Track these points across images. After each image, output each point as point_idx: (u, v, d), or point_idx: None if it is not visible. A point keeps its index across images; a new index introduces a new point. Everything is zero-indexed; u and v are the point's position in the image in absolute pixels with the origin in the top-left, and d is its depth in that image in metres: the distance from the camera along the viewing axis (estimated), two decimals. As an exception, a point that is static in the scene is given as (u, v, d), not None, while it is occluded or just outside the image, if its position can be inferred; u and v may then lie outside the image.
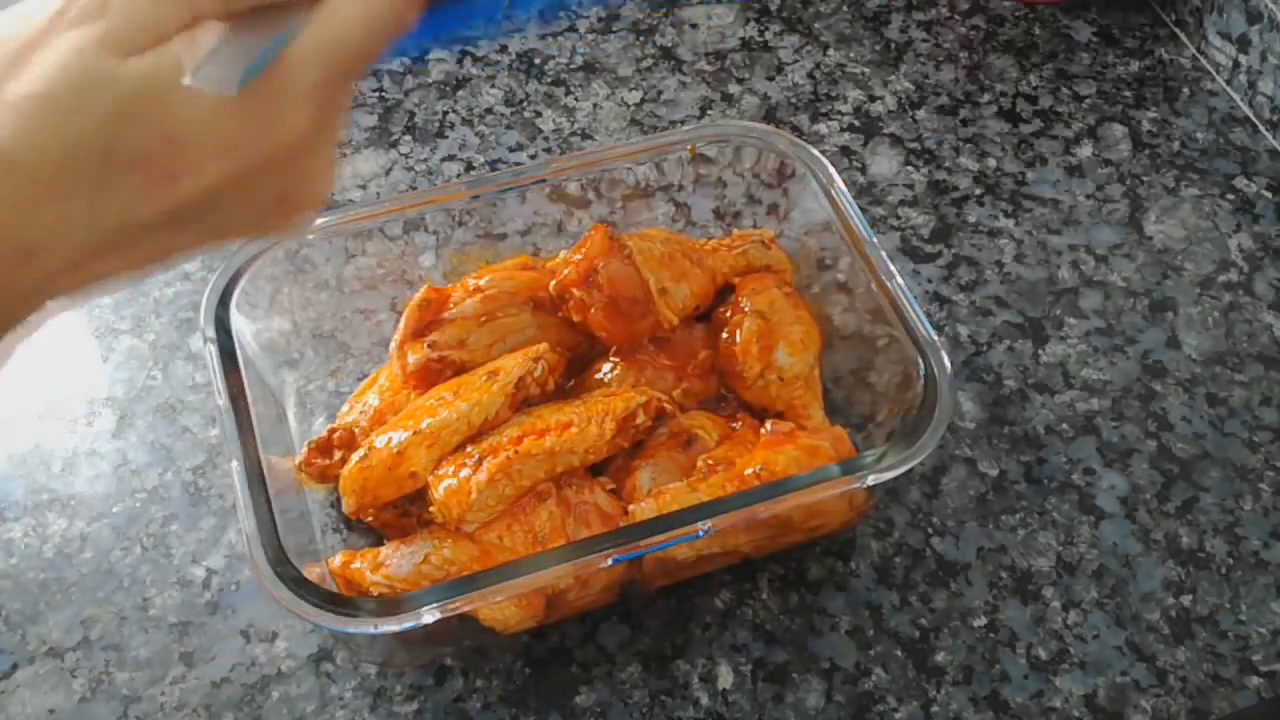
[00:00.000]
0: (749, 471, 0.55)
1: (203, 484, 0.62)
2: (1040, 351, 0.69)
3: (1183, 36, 0.87)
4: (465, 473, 0.53)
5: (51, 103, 0.28)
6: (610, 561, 0.49)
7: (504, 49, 0.84)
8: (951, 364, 0.55)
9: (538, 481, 0.54)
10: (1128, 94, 0.83)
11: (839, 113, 0.81)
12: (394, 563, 0.53)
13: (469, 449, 0.54)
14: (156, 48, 0.29)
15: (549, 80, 0.82)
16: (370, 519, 0.57)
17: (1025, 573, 0.60)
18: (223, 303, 0.56)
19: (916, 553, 0.61)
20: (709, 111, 0.81)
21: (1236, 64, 0.82)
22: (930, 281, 0.72)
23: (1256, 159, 0.79)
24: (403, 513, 0.56)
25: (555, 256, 0.63)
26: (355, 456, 0.55)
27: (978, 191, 0.77)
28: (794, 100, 0.82)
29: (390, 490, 0.54)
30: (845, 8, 0.88)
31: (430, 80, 0.82)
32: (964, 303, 0.71)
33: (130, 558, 0.60)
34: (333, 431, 0.58)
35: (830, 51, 0.85)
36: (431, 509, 0.54)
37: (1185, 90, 0.83)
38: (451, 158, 0.78)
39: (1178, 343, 0.70)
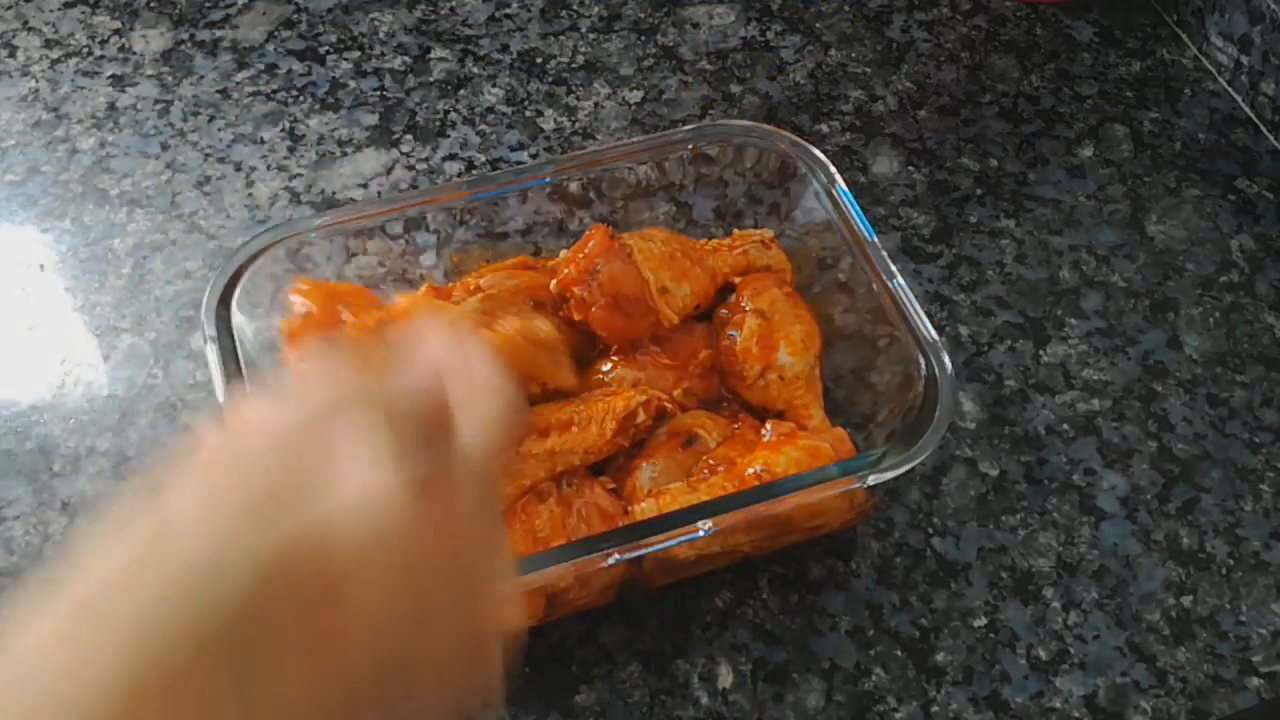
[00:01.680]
0: (749, 471, 0.55)
1: None
2: (1041, 352, 0.69)
3: (1184, 37, 0.86)
4: None
5: (168, 605, 0.22)
6: (611, 561, 0.49)
7: (505, 48, 0.84)
8: (952, 364, 0.55)
9: (538, 481, 0.54)
10: (1129, 94, 0.83)
11: (840, 112, 0.81)
12: None
13: None
14: (305, 492, 0.24)
15: (550, 79, 0.82)
16: None
17: (1025, 573, 0.60)
18: (224, 301, 0.56)
19: (917, 553, 0.61)
20: (710, 111, 0.81)
21: (1238, 64, 0.82)
22: (931, 281, 0.72)
23: (1258, 159, 0.79)
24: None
25: (556, 256, 0.63)
26: None
27: (979, 191, 0.77)
28: (795, 100, 0.81)
29: None
30: (847, 7, 0.88)
31: (431, 79, 0.82)
32: (965, 303, 0.71)
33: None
34: None
35: (832, 51, 0.85)
36: None
37: (1187, 91, 0.83)
38: (453, 157, 0.78)
39: (1179, 343, 0.70)
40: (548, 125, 0.80)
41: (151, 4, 0.87)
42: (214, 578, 0.23)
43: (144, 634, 0.22)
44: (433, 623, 0.25)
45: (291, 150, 0.78)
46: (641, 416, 0.56)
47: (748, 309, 0.61)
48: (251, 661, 0.22)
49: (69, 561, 0.23)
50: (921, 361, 0.55)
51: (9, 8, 0.87)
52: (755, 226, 0.68)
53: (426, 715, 0.26)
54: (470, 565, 0.27)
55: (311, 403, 0.26)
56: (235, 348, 0.55)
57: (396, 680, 0.24)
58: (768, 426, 0.58)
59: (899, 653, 0.57)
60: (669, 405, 0.58)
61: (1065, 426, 0.66)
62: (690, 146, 0.65)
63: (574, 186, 0.65)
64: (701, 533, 0.50)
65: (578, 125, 0.80)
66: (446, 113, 0.80)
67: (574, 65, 0.83)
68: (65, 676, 0.21)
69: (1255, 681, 0.57)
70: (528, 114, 0.80)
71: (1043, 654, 0.58)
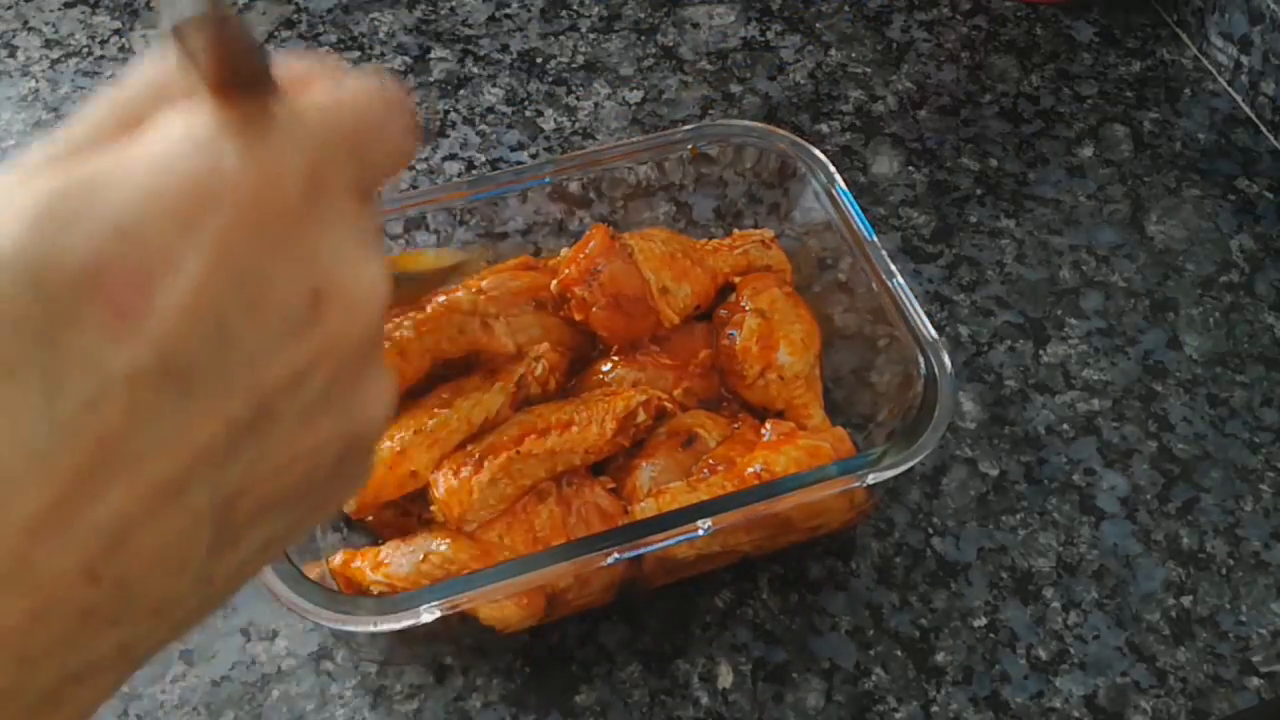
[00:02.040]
0: (749, 471, 0.55)
1: None
2: (1041, 352, 0.69)
3: (1184, 37, 0.87)
4: (466, 472, 0.53)
5: None
6: (611, 560, 0.49)
7: (505, 48, 0.84)
8: (952, 364, 0.55)
9: (539, 480, 0.54)
10: (1129, 94, 0.83)
11: (840, 112, 0.81)
12: (394, 562, 0.53)
13: (470, 448, 0.54)
14: (89, 156, 0.21)
15: (550, 79, 0.82)
16: (371, 519, 0.57)
17: (1025, 573, 0.60)
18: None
19: (917, 553, 0.61)
20: (710, 111, 0.81)
21: (1238, 64, 0.82)
22: (931, 281, 0.72)
23: (1258, 160, 0.79)
24: (403, 512, 0.56)
25: (556, 255, 0.63)
26: None
27: (979, 191, 0.77)
28: (795, 100, 0.82)
29: (392, 490, 0.54)
30: (847, 7, 0.88)
31: (431, 79, 0.82)
32: (965, 303, 0.71)
33: (130, 556, 0.60)
34: None
35: (832, 51, 0.85)
36: (432, 508, 0.54)
37: (1187, 91, 0.83)
38: (452, 156, 0.78)
39: (1179, 343, 0.70)
40: (548, 125, 0.80)
41: (151, 4, 0.87)
42: None
43: None
44: (260, 293, 0.21)
45: (291, 150, 0.78)
46: (642, 416, 0.56)
47: (748, 308, 0.61)
48: (45, 329, 0.19)
49: None
50: (921, 361, 0.55)
51: (9, 8, 0.87)
52: (755, 226, 0.68)
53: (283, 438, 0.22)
54: (298, 224, 0.22)
55: (136, 80, 0.23)
56: None
57: (228, 350, 0.20)
58: (768, 426, 0.58)
59: (899, 653, 0.57)
60: (669, 405, 0.58)
61: (1065, 426, 0.66)
62: (690, 146, 0.65)
63: (574, 186, 0.65)
64: (701, 532, 0.50)
65: (578, 125, 0.80)
66: (446, 113, 0.80)
67: (574, 65, 0.83)
68: None
69: (1255, 681, 0.57)
70: (528, 114, 0.80)
71: (1043, 654, 0.58)
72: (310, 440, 0.23)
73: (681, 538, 0.50)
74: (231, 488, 0.21)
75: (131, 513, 0.20)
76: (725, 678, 0.56)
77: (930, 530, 0.61)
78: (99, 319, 0.19)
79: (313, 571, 0.49)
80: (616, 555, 0.49)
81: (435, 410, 0.55)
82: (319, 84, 0.24)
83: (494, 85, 0.82)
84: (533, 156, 0.78)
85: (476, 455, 0.53)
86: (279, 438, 0.22)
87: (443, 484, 0.53)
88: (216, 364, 0.20)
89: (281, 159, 0.22)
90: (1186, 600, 0.59)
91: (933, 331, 0.56)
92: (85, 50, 0.84)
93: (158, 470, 0.20)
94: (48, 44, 0.84)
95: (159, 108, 0.22)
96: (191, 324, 0.20)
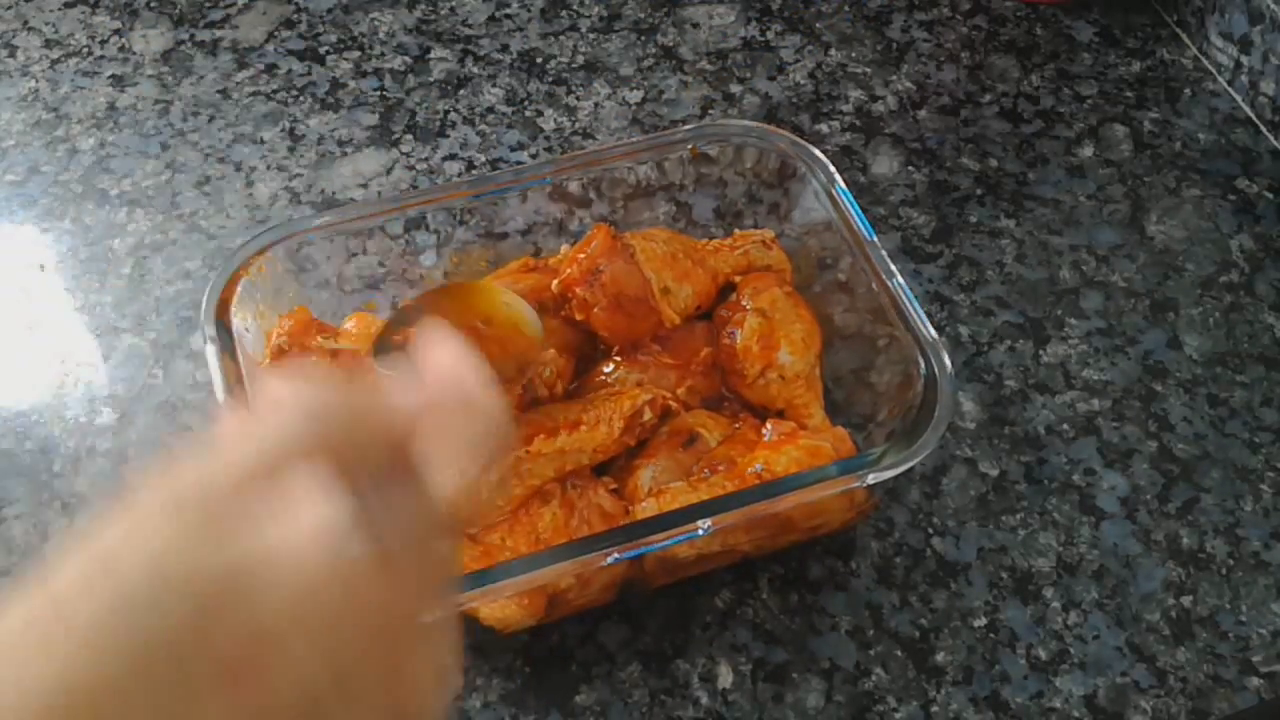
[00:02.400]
0: (750, 471, 0.55)
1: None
2: (1041, 352, 0.69)
3: (1184, 37, 0.87)
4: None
5: (119, 619, 0.23)
6: (611, 560, 0.49)
7: (505, 48, 0.84)
8: (952, 364, 0.55)
9: (546, 480, 0.54)
10: (1129, 94, 0.83)
11: (840, 112, 0.81)
12: None
13: None
14: (247, 528, 0.25)
15: (550, 79, 0.82)
16: None
17: (1025, 573, 0.60)
18: (224, 302, 0.56)
19: (917, 553, 0.61)
20: (710, 111, 0.81)
21: (1238, 64, 0.82)
22: (931, 281, 0.72)
23: (1258, 160, 0.79)
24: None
25: (557, 255, 0.63)
26: None
27: (979, 191, 0.77)
28: (795, 100, 0.82)
29: None
30: (847, 7, 0.88)
31: (432, 79, 0.82)
32: (965, 303, 0.71)
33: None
34: None
35: (832, 51, 0.85)
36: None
37: (1187, 91, 0.83)
38: (453, 156, 0.78)
39: (1179, 343, 0.70)
40: (548, 125, 0.80)
41: (151, 4, 0.87)
42: (152, 602, 0.24)
43: (90, 641, 0.23)
44: (352, 690, 0.25)
45: (291, 150, 0.78)
46: (647, 415, 0.56)
47: (748, 308, 0.61)
48: (176, 689, 0.23)
49: (48, 561, 0.25)
50: (921, 361, 0.55)
51: (9, 8, 0.87)
52: (755, 226, 0.68)
53: None
54: (399, 632, 0.27)
55: (272, 436, 0.26)
56: (235, 348, 0.55)
57: None
58: (768, 426, 0.58)
59: (899, 653, 0.57)
60: (674, 404, 0.58)
61: (1065, 426, 0.66)
62: (690, 146, 0.65)
63: (574, 186, 0.65)
64: (701, 532, 0.50)
65: (578, 125, 0.80)
66: (446, 113, 0.80)
67: (574, 65, 0.83)
68: (22, 665, 0.23)
69: (1255, 681, 0.57)
70: (528, 114, 0.80)
71: (1043, 654, 0.58)
72: None
73: (681, 538, 0.50)
74: None
75: None
76: (725, 678, 0.57)
77: (930, 530, 0.61)
78: (220, 683, 0.24)
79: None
80: (616, 555, 0.49)
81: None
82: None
83: (494, 85, 0.82)
84: (533, 156, 0.78)
85: None
86: None
87: None
88: None
89: (407, 584, 0.27)
90: (1186, 600, 0.59)
91: (933, 331, 0.56)
92: (85, 50, 0.84)
93: None
94: (48, 44, 0.84)
95: (290, 462, 0.26)
96: (291, 710, 0.24)
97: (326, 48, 0.84)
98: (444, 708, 0.28)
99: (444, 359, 0.31)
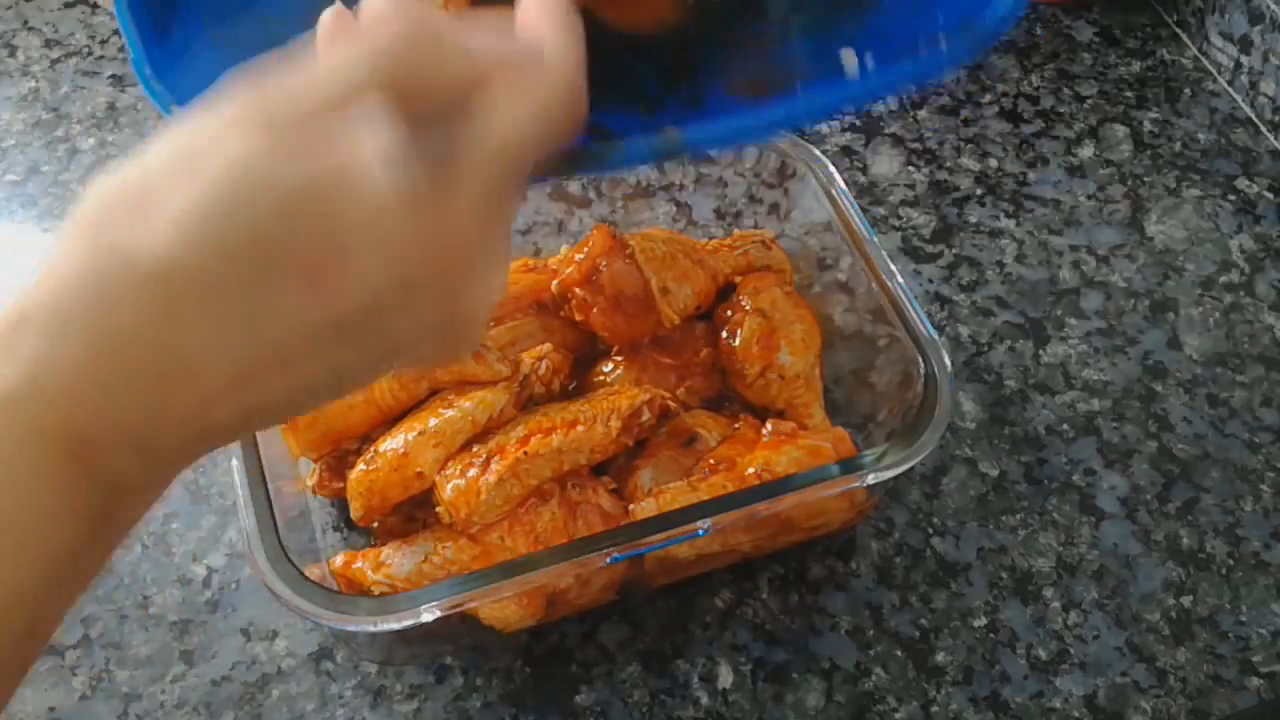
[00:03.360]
0: (750, 471, 0.55)
1: (203, 482, 0.62)
2: (1041, 352, 0.69)
3: (1184, 37, 0.87)
4: (473, 473, 0.53)
5: (212, 210, 0.26)
6: (609, 560, 0.49)
7: None
8: (952, 364, 0.55)
9: (545, 481, 0.54)
10: (1129, 94, 0.83)
11: (840, 112, 0.81)
12: (395, 562, 0.53)
13: (475, 448, 0.54)
14: (324, 148, 0.27)
15: (550, 79, 0.82)
16: (376, 525, 0.57)
17: (1025, 573, 0.60)
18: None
19: (917, 553, 0.61)
20: (710, 111, 0.81)
21: (1238, 64, 0.82)
22: (931, 281, 0.72)
23: (1258, 160, 0.79)
24: (408, 518, 0.56)
25: (557, 255, 0.63)
26: (361, 462, 0.55)
27: (979, 191, 0.77)
28: (795, 100, 0.81)
29: (397, 491, 0.54)
30: (847, 8, 0.88)
31: (431, 79, 0.82)
32: (965, 303, 0.71)
33: (130, 556, 0.60)
34: (344, 454, 0.58)
35: (832, 51, 0.85)
36: (439, 509, 0.54)
37: (1187, 91, 0.83)
38: (453, 157, 0.78)
39: (1179, 343, 0.70)
40: (548, 125, 0.79)
41: (152, 4, 0.87)
42: (237, 201, 0.27)
43: (187, 221, 0.26)
44: (415, 289, 0.29)
45: (291, 150, 0.78)
46: (646, 415, 0.56)
47: (748, 308, 0.61)
48: (265, 276, 0.27)
49: (143, 146, 0.28)
50: (921, 361, 0.55)
51: (9, 8, 0.87)
52: (755, 226, 0.68)
53: (398, 354, 0.31)
54: (456, 255, 0.29)
55: (351, 66, 0.28)
56: None
57: (378, 324, 0.29)
58: (768, 426, 0.58)
59: (899, 653, 0.57)
60: (672, 404, 0.58)
61: (1065, 426, 0.66)
62: (690, 146, 0.64)
63: (574, 186, 0.65)
64: (701, 532, 0.50)
65: (578, 125, 0.79)
66: (446, 113, 0.80)
67: (574, 65, 0.83)
68: (126, 234, 0.27)
69: (1255, 681, 0.57)
70: (528, 114, 0.80)
71: (1043, 654, 0.58)
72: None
73: (681, 538, 0.50)
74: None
75: (291, 385, 0.29)
76: (725, 678, 0.57)
77: (930, 530, 0.61)
78: (298, 282, 0.27)
79: (313, 572, 0.49)
80: (616, 555, 0.49)
81: (439, 410, 0.55)
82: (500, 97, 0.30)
83: (494, 85, 0.82)
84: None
85: (483, 456, 0.53)
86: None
87: (450, 486, 0.53)
88: (370, 334, 0.29)
89: (463, 212, 0.29)
90: (1186, 600, 0.59)
91: (932, 331, 0.56)
92: (85, 50, 0.84)
93: (303, 374, 0.29)
94: (48, 44, 0.84)
95: (362, 92, 0.28)
96: (359, 310, 0.28)
97: (326, 48, 0.84)
98: (481, 331, 0.31)
99: (537, 12, 0.32)
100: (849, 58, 0.35)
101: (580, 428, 0.54)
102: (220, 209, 0.26)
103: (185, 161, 0.27)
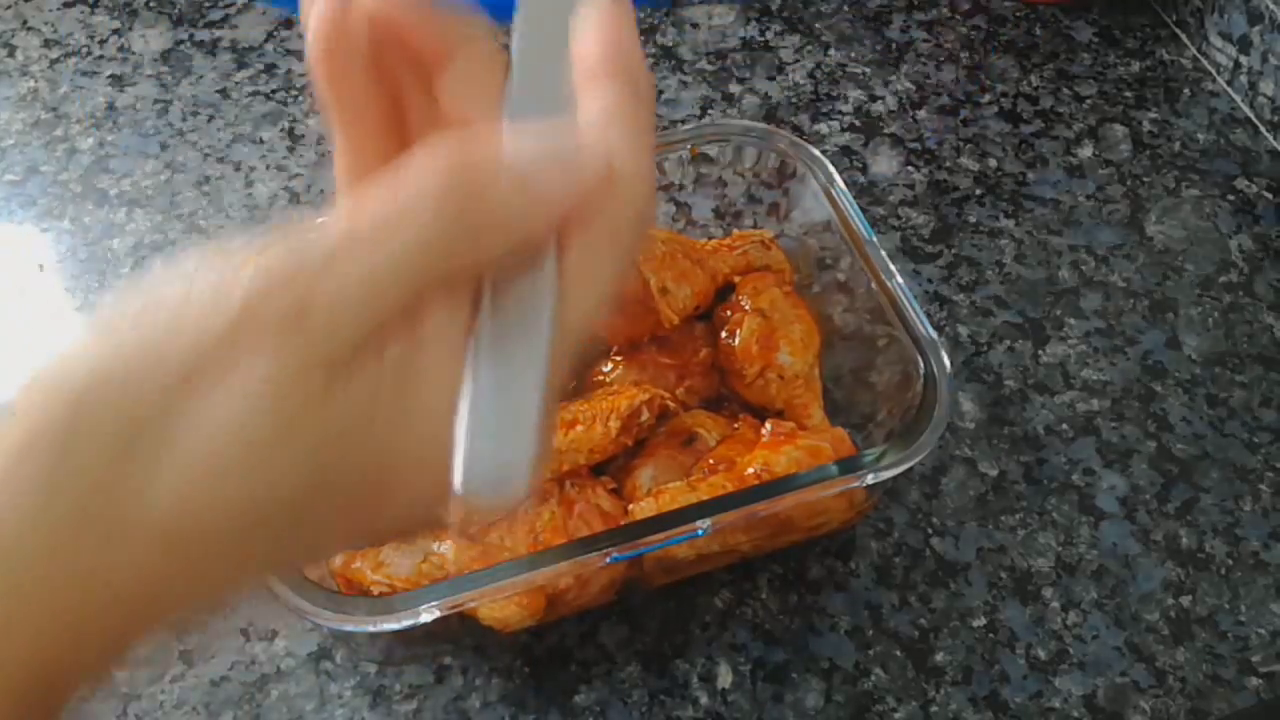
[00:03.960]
0: (749, 471, 0.55)
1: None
2: (1040, 352, 0.69)
3: (1183, 37, 0.87)
4: None
5: (242, 454, 0.22)
6: (609, 560, 0.49)
7: (506, 48, 0.84)
8: (951, 364, 0.55)
9: (548, 487, 0.54)
10: (1128, 94, 0.83)
11: (840, 112, 0.81)
12: (394, 563, 0.53)
13: None
14: (369, 363, 0.23)
15: (550, 79, 0.82)
16: None
17: (1025, 573, 0.60)
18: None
19: (916, 553, 0.61)
20: (710, 111, 0.81)
21: (1237, 65, 0.82)
22: (930, 281, 0.72)
23: (1257, 160, 0.79)
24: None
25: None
26: None
27: (978, 192, 0.77)
28: (795, 100, 0.82)
29: None
30: (846, 8, 0.88)
31: (431, 79, 0.82)
32: (964, 303, 0.71)
33: (130, 556, 0.60)
34: None
35: (831, 51, 0.85)
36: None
37: (1186, 91, 0.83)
38: (452, 157, 0.78)
39: (1178, 343, 0.70)
40: (547, 125, 0.79)
41: (151, 4, 0.87)
42: (276, 450, 0.23)
43: (194, 482, 0.23)
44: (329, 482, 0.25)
45: (291, 150, 0.78)
46: (645, 415, 0.56)
47: (747, 308, 0.61)
48: (298, 519, 0.24)
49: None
50: (920, 361, 0.55)
51: (8, 8, 0.87)
52: (754, 226, 0.68)
53: (327, 546, 0.28)
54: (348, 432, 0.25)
55: (405, 261, 0.23)
56: None
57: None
58: (768, 426, 0.58)
59: (898, 653, 0.57)
60: (672, 404, 0.58)
61: (1064, 426, 0.66)
62: (690, 146, 0.65)
63: (573, 186, 0.64)
64: (700, 532, 0.50)
65: (577, 125, 0.79)
66: (446, 113, 0.80)
67: (573, 65, 0.83)
68: (118, 469, 0.22)
69: (1254, 681, 0.57)
70: (527, 114, 0.80)
71: (1042, 654, 0.58)
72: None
73: (681, 538, 0.50)
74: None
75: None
76: (725, 678, 0.57)
77: (930, 530, 0.61)
78: (335, 520, 0.24)
79: (313, 572, 0.49)
80: (615, 555, 0.49)
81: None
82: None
83: (493, 85, 0.82)
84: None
85: None
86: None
87: None
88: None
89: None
90: (1186, 600, 0.59)
91: (932, 331, 0.56)
92: (84, 50, 0.84)
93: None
94: (47, 44, 0.84)
95: (430, 292, 0.24)
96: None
97: (326, 48, 0.84)
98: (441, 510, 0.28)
99: (605, 119, 0.25)
100: None
101: (580, 427, 0.54)
102: (252, 455, 0.22)
103: (183, 377, 0.22)
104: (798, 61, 0.84)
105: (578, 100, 0.26)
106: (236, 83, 0.82)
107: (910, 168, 0.78)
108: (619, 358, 0.60)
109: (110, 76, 0.82)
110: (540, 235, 0.24)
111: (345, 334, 0.23)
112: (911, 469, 0.53)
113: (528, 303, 0.24)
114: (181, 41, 0.84)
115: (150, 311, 0.23)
